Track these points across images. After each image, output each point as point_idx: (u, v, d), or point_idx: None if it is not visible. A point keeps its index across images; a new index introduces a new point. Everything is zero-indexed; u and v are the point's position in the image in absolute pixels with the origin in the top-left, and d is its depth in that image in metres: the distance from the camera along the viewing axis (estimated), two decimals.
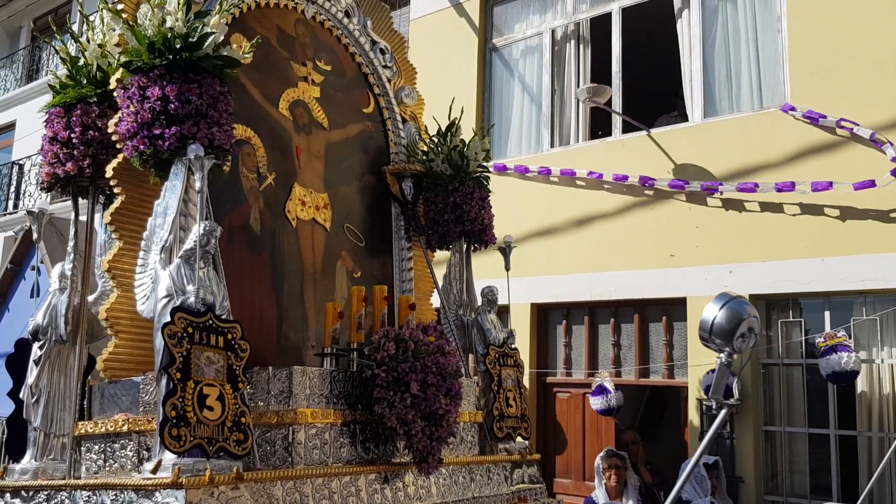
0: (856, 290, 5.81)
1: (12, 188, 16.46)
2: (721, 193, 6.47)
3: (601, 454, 5.70)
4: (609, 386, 6.53)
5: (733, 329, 1.86)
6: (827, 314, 6.02)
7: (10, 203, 16.36)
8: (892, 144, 5.65)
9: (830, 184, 5.81)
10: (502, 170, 7.70)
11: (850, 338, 5.54)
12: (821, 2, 6.27)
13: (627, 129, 7.37)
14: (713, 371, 5.90)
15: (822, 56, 6.19)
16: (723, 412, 1.90)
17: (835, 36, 6.15)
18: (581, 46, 7.86)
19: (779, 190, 6.05)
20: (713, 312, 1.92)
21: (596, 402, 6.54)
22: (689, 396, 6.49)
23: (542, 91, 8.03)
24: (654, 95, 8.19)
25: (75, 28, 13.92)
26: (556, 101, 7.96)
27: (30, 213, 3.92)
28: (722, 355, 1.93)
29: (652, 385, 7.16)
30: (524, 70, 8.30)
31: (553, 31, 8.01)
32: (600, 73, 7.73)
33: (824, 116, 6.01)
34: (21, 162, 16.21)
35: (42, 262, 11.79)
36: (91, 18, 4.02)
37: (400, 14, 9.22)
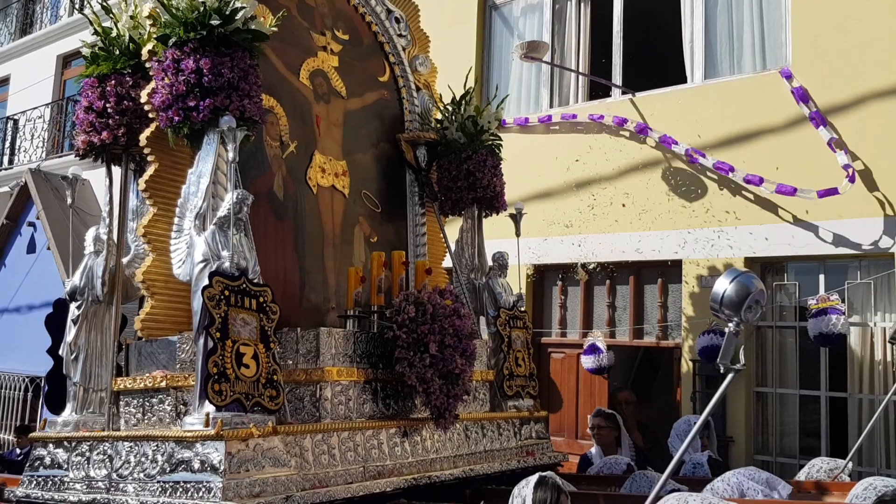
0: (850, 254, 5.98)
1: (7, 144, 16.46)
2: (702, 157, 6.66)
3: (592, 413, 5.93)
4: (601, 345, 6.75)
5: (742, 301, 2.07)
6: (821, 277, 6.22)
7: (6, 159, 16.37)
8: (846, 152, 5.83)
9: (794, 189, 6.00)
10: (502, 125, 7.81)
11: (843, 301, 5.76)
12: None
13: (627, 89, 7.48)
14: (706, 332, 6.21)
15: (825, 18, 6.25)
16: (729, 377, 2.12)
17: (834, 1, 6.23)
18: (582, 5, 7.89)
19: (748, 182, 6.28)
20: (724, 286, 2.12)
21: (587, 361, 6.77)
22: (681, 358, 6.73)
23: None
24: (655, 55, 8.27)
25: None
26: (556, 60, 8.04)
27: (64, 178, 4.08)
28: (731, 324, 2.14)
29: (645, 346, 7.40)
30: (524, 28, 8.33)
31: None
32: (601, 33, 7.79)
33: (806, 101, 6.15)
34: (16, 117, 16.18)
35: (38, 219, 11.89)
36: None
37: None
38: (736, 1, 6.98)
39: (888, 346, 5.65)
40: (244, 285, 3.44)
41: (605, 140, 7.35)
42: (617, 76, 7.55)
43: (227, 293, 3.35)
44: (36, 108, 14.96)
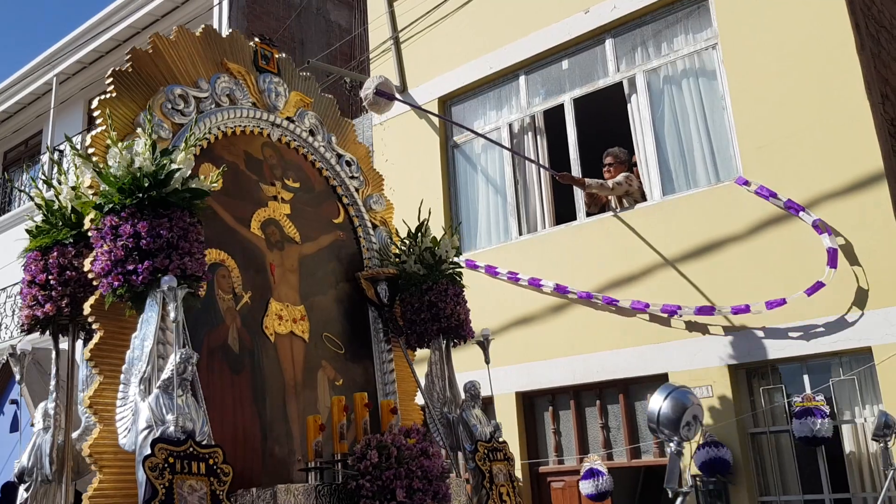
0: (830, 352, 5.92)
1: None
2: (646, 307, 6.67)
3: None
4: (602, 468, 6.51)
5: (679, 418, 1.96)
6: (806, 377, 6.11)
7: None
8: (829, 234, 5.89)
9: (784, 300, 6.01)
10: (473, 267, 7.89)
11: (831, 399, 5.64)
12: (759, 79, 6.63)
13: (590, 212, 7.61)
14: (703, 446, 6.00)
15: (767, 129, 6.51)
16: (678, 500, 1.98)
17: (776, 109, 6.49)
18: (538, 137, 8.19)
19: (735, 312, 6.22)
20: (658, 403, 2.02)
21: (586, 487, 6.50)
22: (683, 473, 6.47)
23: (506, 182, 8.31)
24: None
25: (45, 158, 14.23)
26: (519, 190, 8.24)
27: (11, 355, 3.99)
28: (672, 444, 2.02)
29: (645, 466, 7.13)
30: (486, 164, 8.60)
31: (510, 125, 8.35)
32: (559, 160, 8.02)
33: (775, 195, 6.26)
34: None
35: (21, 396, 11.67)
36: (63, 159, 4.19)
37: (363, 120, 9.58)
38: (682, 119, 7.25)
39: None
40: (191, 449, 3.29)
41: (579, 259, 7.38)
42: (579, 200, 7.71)
43: (171, 460, 3.19)
44: (15, 284, 15.02)
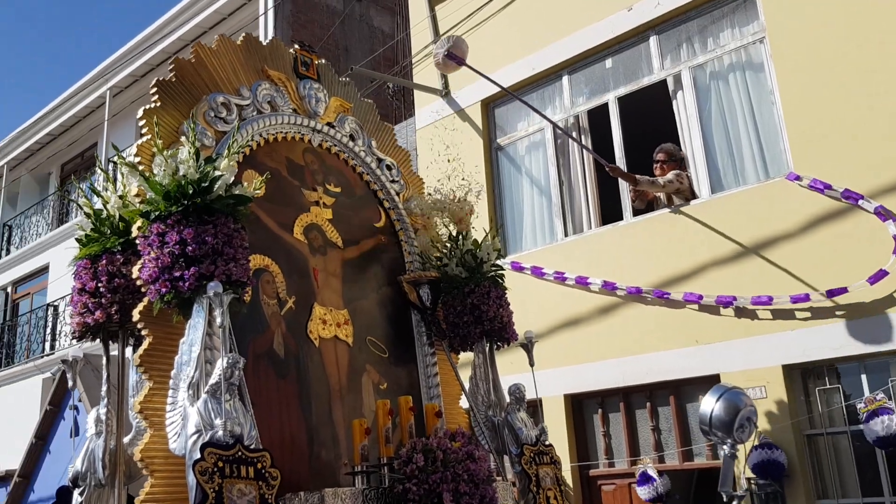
0: (889, 351, 5.72)
1: (48, 330, 16.91)
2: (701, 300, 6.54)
3: None
4: (653, 473, 6.42)
5: (732, 420, 1.90)
6: (864, 377, 5.92)
7: (47, 345, 16.77)
8: (894, 220, 5.69)
9: (846, 289, 5.82)
10: (519, 269, 7.84)
11: (890, 399, 5.45)
12: (809, 72, 6.46)
13: (637, 212, 7.51)
14: (757, 448, 5.84)
15: (818, 123, 6.35)
16: None
17: (826, 103, 6.33)
18: (583, 137, 8.11)
19: (794, 301, 6.05)
20: (710, 405, 1.95)
21: (643, 492, 6.42)
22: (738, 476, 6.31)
23: (550, 183, 8.24)
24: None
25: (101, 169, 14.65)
26: (564, 191, 8.17)
27: (64, 361, 4.09)
28: (725, 447, 1.95)
29: (698, 468, 6.98)
30: (531, 165, 8.55)
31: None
32: (605, 160, 7.91)
33: (829, 186, 6.09)
34: (56, 303, 16.70)
35: (80, 401, 12.00)
36: (111, 170, 4.29)
37: (406, 125, 9.60)
38: (730, 116, 7.11)
39: None
40: (239, 453, 3.32)
41: (626, 260, 7.28)
42: (626, 199, 7.61)
43: (220, 464, 3.22)
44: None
